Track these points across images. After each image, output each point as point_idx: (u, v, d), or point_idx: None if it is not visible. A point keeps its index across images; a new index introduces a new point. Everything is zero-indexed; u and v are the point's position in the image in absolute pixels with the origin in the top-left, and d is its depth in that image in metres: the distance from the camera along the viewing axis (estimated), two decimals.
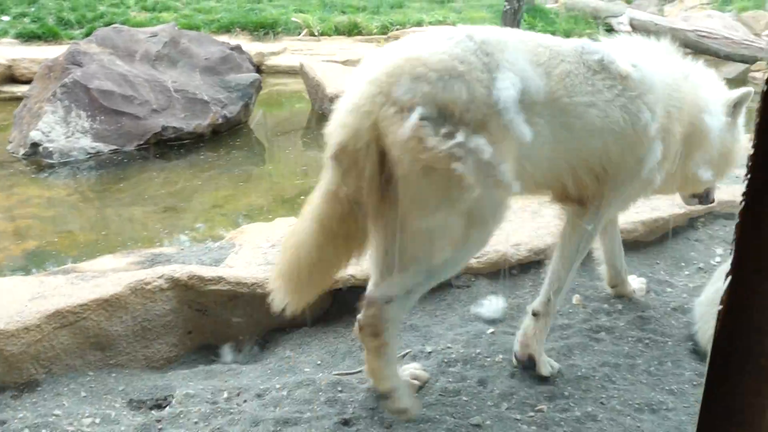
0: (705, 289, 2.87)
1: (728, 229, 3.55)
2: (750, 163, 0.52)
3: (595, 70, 2.11)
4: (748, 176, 0.53)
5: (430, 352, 2.64)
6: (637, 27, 11.94)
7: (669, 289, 3.16)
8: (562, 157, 2.10)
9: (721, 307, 0.50)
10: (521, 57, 1.97)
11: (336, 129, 1.90)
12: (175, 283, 2.71)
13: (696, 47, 11.63)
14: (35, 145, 5.10)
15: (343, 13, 12.50)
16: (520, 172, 1.96)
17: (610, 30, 12.33)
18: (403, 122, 1.77)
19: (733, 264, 0.50)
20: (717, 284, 2.78)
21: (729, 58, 10.86)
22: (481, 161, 1.82)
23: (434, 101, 1.79)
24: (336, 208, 1.96)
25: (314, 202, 2.05)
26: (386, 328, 2.02)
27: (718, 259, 3.37)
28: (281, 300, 2.11)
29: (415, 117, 1.76)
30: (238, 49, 6.69)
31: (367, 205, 1.92)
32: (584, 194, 2.24)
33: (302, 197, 4.68)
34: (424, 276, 2.02)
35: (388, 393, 2.12)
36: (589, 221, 2.30)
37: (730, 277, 0.50)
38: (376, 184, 1.86)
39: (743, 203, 0.50)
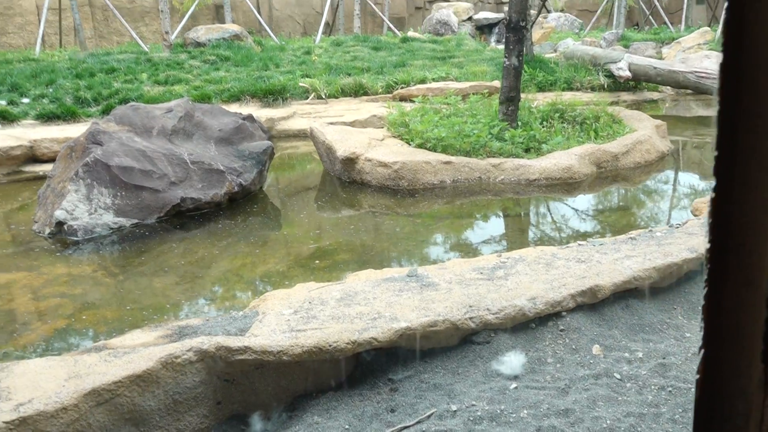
0: None
1: None
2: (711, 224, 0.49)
3: None
4: (710, 243, 0.57)
5: (455, 411, 2.69)
6: (636, 71, 12.20)
7: (688, 334, 3.20)
8: None
9: (698, 376, 0.58)
10: None
11: None
12: (204, 355, 2.79)
13: (696, 88, 11.85)
14: (60, 223, 5.28)
15: (348, 75, 12.89)
16: None
17: (609, 75, 12.60)
18: None
19: (704, 338, 0.58)
20: None
21: None
22: None
23: None
24: None
25: None
26: None
27: None
28: None
29: None
30: (249, 118, 6.93)
31: None
32: None
33: (316, 261, 4.81)
34: None
35: None
36: None
37: (703, 351, 0.58)
38: None
39: (707, 282, 0.57)
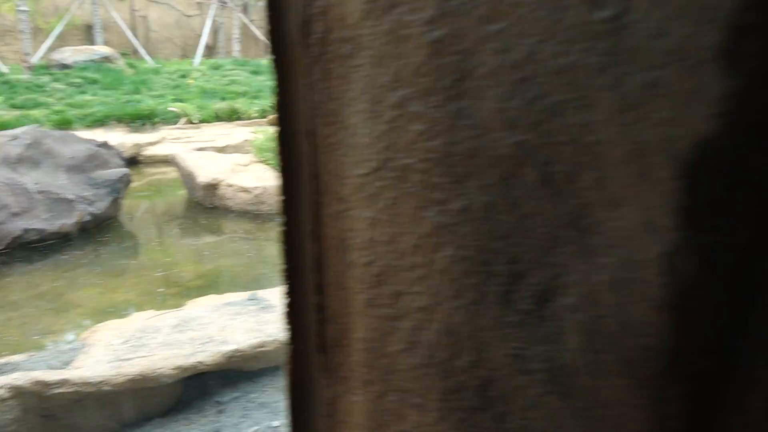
0: None
1: None
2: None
3: None
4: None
5: (276, 427, 2.80)
6: None
7: None
8: None
9: (287, 366, 0.72)
10: None
11: None
12: (18, 391, 2.73)
13: None
14: None
15: (224, 99, 12.81)
16: None
17: None
18: None
19: (288, 336, 0.72)
20: None
21: None
22: None
23: None
24: None
25: None
26: None
27: None
28: None
29: None
30: (105, 145, 6.76)
31: None
32: None
33: (160, 289, 4.77)
34: None
35: None
36: None
37: (290, 346, 0.72)
38: None
39: (285, 294, 0.72)
